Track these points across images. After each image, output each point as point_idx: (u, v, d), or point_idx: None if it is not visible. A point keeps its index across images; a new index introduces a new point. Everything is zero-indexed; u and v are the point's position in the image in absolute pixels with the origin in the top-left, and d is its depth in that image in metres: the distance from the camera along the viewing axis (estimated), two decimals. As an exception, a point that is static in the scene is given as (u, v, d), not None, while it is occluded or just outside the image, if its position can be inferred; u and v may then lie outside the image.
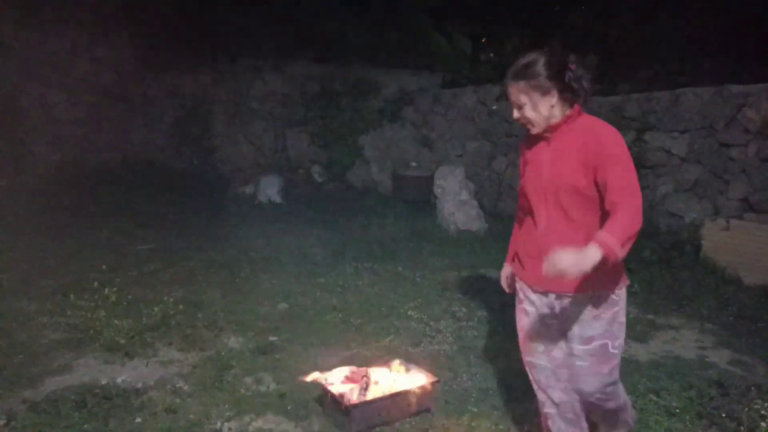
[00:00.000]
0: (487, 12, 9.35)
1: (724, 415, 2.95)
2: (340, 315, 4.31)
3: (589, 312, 2.27)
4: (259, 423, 2.95)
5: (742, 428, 2.84)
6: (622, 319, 2.30)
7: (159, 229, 6.80)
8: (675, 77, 6.58)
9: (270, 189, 8.33)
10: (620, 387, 2.40)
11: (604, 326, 2.26)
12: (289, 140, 9.49)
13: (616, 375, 2.31)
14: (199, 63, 10.55)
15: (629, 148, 6.87)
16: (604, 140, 2.18)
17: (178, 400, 3.14)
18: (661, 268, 5.25)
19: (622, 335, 2.30)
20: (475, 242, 6.33)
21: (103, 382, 3.31)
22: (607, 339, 2.26)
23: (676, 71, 6.85)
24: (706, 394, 3.18)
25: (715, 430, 2.88)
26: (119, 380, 3.34)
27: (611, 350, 2.26)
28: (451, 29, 9.17)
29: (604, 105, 6.68)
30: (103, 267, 5.24)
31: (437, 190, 6.90)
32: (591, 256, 1.96)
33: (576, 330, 2.30)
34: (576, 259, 1.97)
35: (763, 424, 2.84)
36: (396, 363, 3.21)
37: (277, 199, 8.31)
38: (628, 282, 2.33)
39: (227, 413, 3.02)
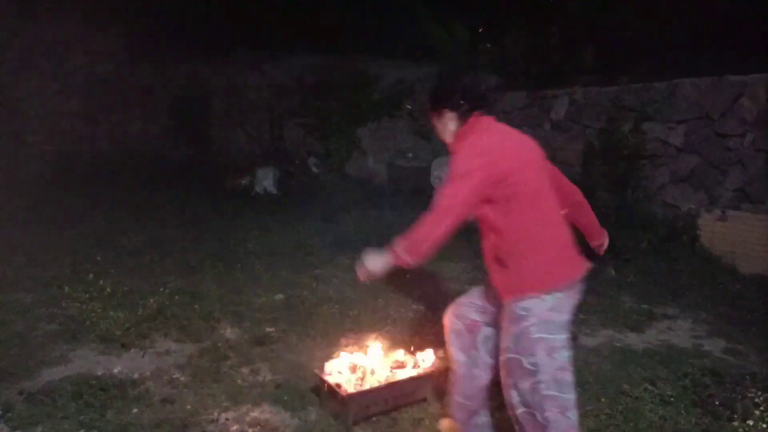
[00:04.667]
0: (486, 2, 9.29)
1: (718, 403, 2.97)
2: (336, 306, 4.31)
3: (504, 323, 2.25)
4: (255, 413, 2.96)
5: (736, 416, 2.86)
6: (536, 335, 2.12)
7: (155, 220, 6.78)
8: (673, 68, 6.55)
9: (267, 180, 8.33)
10: (552, 405, 2.12)
11: (511, 340, 2.18)
12: (286, 131, 9.46)
13: (541, 390, 2.11)
14: (196, 54, 10.50)
15: (627, 137, 6.70)
16: None
17: (174, 391, 3.15)
18: (657, 258, 5.25)
19: (539, 351, 2.11)
20: (471, 233, 6.32)
21: (99, 373, 3.31)
22: (516, 354, 2.15)
23: (674, 62, 6.83)
24: (701, 382, 3.20)
25: (709, 418, 2.89)
26: (115, 371, 3.35)
27: (526, 366, 2.13)
28: (449, 19, 9.12)
29: (603, 95, 6.66)
30: (99, 258, 5.25)
31: (434, 181, 6.89)
32: (381, 257, 2.24)
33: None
34: (372, 259, 2.25)
35: (756, 412, 2.85)
36: (392, 353, 3.22)
37: (274, 190, 8.30)
38: (537, 293, 2.14)
39: (224, 404, 3.03)
